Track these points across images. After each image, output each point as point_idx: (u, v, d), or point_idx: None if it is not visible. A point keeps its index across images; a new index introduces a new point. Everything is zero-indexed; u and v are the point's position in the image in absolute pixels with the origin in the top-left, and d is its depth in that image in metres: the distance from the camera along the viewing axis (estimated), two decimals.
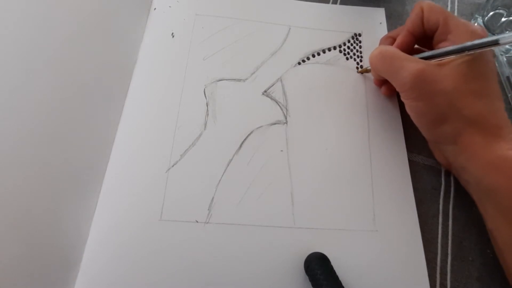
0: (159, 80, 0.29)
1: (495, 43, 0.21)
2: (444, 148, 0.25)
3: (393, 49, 0.25)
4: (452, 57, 0.23)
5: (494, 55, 0.33)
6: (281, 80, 0.30)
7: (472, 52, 0.22)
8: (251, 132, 0.27)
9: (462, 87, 0.22)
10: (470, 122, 0.22)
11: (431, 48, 0.25)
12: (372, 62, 0.27)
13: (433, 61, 0.23)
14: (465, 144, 0.22)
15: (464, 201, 0.26)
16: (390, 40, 0.28)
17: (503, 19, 0.33)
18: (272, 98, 0.29)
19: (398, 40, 0.27)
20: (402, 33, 0.27)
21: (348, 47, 0.32)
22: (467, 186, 0.25)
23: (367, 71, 0.30)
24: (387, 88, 0.29)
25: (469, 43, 0.22)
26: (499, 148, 0.21)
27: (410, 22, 0.26)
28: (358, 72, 0.31)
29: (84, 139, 0.24)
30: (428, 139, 0.26)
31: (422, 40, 0.26)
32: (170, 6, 0.32)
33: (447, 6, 0.36)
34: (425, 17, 0.25)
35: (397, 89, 0.25)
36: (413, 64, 0.23)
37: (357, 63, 0.31)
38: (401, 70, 0.23)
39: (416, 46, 0.28)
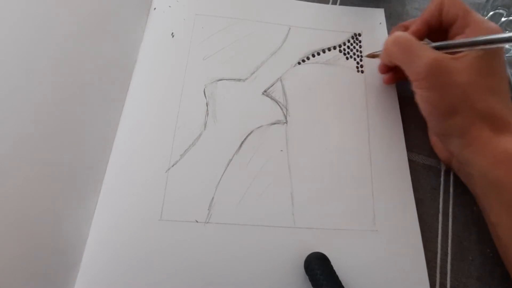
0: (159, 80, 0.29)
1: (511, 40, 0.21)
2: (449, 141, 0.25)
3: (409, 36, 0.25)
4: (466, 51, 0.23)
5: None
6: (281, 80, 0.30)
7: (486, 46, 0.22)
8: (251, 132, 0.27)
9: (477, 81, 0.22)
10: (481, 116, 0.22)
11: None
12: (387, 48, 0.26)
13: (448, 53, 0.23)
14: (473, 137, 0.23)
15: (464, 201, 0.26)
16: (402, 29, 0.28)
17: (503, 19, 0.33)
18: (272, 98, 0.29)
19: (413, 28, 0.26)
20: (417, 21, 0.26)
21: (348, 47, 0.32)
22: (469, 180, 0.25)
23: (375, 56, 0.30)
24: (389, 77, 0.29)
25: (484, 37, 0.22)
26: (507, 142, 0.22)
27: (428, 12, 0.26)
28: (366, 56, 0.31)
29: (84, 139, 0.24)
30: (435, 131, 0.26)
31: (435, 32, 0.26)
32: (170, 6, 0.32)
33: None
34: (445, 10, 0.25)
35: (410, 78, 0.25)
36: (429, 53, 0.23)
37: (357, 63, 0.31)
38: (416, 58, 0.23)
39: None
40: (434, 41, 0.26)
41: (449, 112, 0.23)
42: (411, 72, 0.24)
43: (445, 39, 0.25)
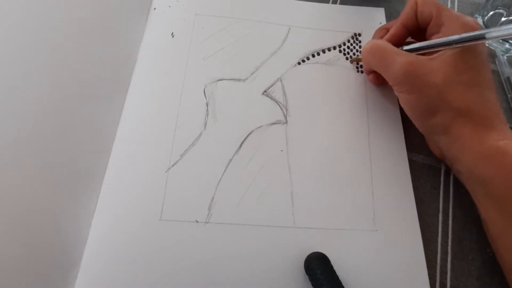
0: (159, 80, 0.29)
1: (482, 37, 0.21)
2: (436, 139, 0.25)
3: (383, 43, 0.25)
4: (443, 49, 0.23)
5: (495, 55, 0.33)
6: (281, 80, 0.30)
7: (460, 45, 0.22)
8: (251, 132, 0.27)
9: (452, 79, 0.22)
10: (460, 113, 0.22)
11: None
12: (364, 56, 0.27)
13: (424, 54, 0.24)
14: (456, 135, 0.23)
15: (464, 200, 0.26)
16: (384, 31, 0.28)
17: (503, 19, 0.33)
18: (272, 98, 0.29)
19: (391, 32, 0.27)
20: (395, 25, 0.27)
21: (348, 47, 0.32)
22: (459, 176, 0.25)
23: (359, 60, 0.30)
24: (374, 76, 0.29)
25: (456, 37, 0.22)
26: (490, 138, 0.22)
27: (404, 14, 0.26)
28: (350, 62, 0.31)
29: (84, 139, 0.24)
30: (421, 131, 0.26)
31: (416, 33, 0.27)
32: (170, 6, 0.32)
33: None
34: (419, 10, 0.25)
35: (389, 83, 0.25)
36: (403, 58, 0.23)
37: (357, 63, 0.31)
38: (391, 64, 0.24)
39: (410, 39, 0.28)
40: (419, 40, 0.26)
41: (428, 112, 0.23)
42: (388, 78, 0.25)
43: (426, 38, 0.26)
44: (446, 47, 0.23)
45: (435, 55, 0.23)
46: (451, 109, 0.22)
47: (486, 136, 0.22)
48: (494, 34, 0.21)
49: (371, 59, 0.26)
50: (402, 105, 0.26)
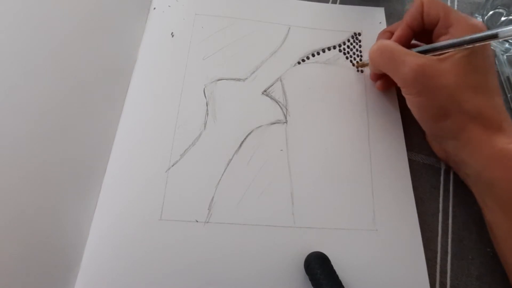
0: (159, 79, 0.29)
1: (494, 36, 0.21)
2: (444, 142, 0.25)
3: (393, 44, 0.25)
4: (452, 51, 0.23)
5: (495, 55, 0.33)
6: (280, 79, 0.30)
7: (471, 45, 0.22)
8: (251, 132, 0.27)
9: (464, 81, 0.22)
10: (472, 116, 0.22)
11: (429, 43, 0.25)
12: (371, 57, 0.27)
13: (434, 56, 0.23)
14: (467, 138, 0.23)
15: (464, 200, 0.26)
16: (388, 34, 0.28)
17: (503, 18, 0.33)
18: (272, 98, 0.29)
19: (397, 34, 0.26)
20: (400, 27, 0.26)
21: (348, 47, 0.32)
22: (466, 180, 0.25)
23: (364, 65, 0.30)
24: (382, 83, 0.29)
25: (468, 37, 0.22)
26: (500, 142, 0.22)
27: (409, 16, 0.26)
28: (355, 66, 0.31)
29: (84, 139, 0.24)
30: (428, 134, 0.26)
31: (420, 34, 0.26)
32: (169, 6, 0.32)
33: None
34: (426, 11, 0.25)
35: (398, 84, 0.25)
36: (413, 59, 0.23)
37: (357, 63, 0.31)
38: (401, 65, 0.23)
39: (413, 41, 0.28)
40: (423, 42, 0.26)
41: (439, 115, 0.23)
42: (397, 79, 0.25)
43: (432, 39, 0.25)
44: (458, 48, 0.22)
45: (444, 56, 0.23)
46: (463, 112, 0.22)
47: (496, 139, 0.22)
48: (507, 33, 0.20)
49: (380, 60, 0.26)
50: (410, 107, 0.25)
